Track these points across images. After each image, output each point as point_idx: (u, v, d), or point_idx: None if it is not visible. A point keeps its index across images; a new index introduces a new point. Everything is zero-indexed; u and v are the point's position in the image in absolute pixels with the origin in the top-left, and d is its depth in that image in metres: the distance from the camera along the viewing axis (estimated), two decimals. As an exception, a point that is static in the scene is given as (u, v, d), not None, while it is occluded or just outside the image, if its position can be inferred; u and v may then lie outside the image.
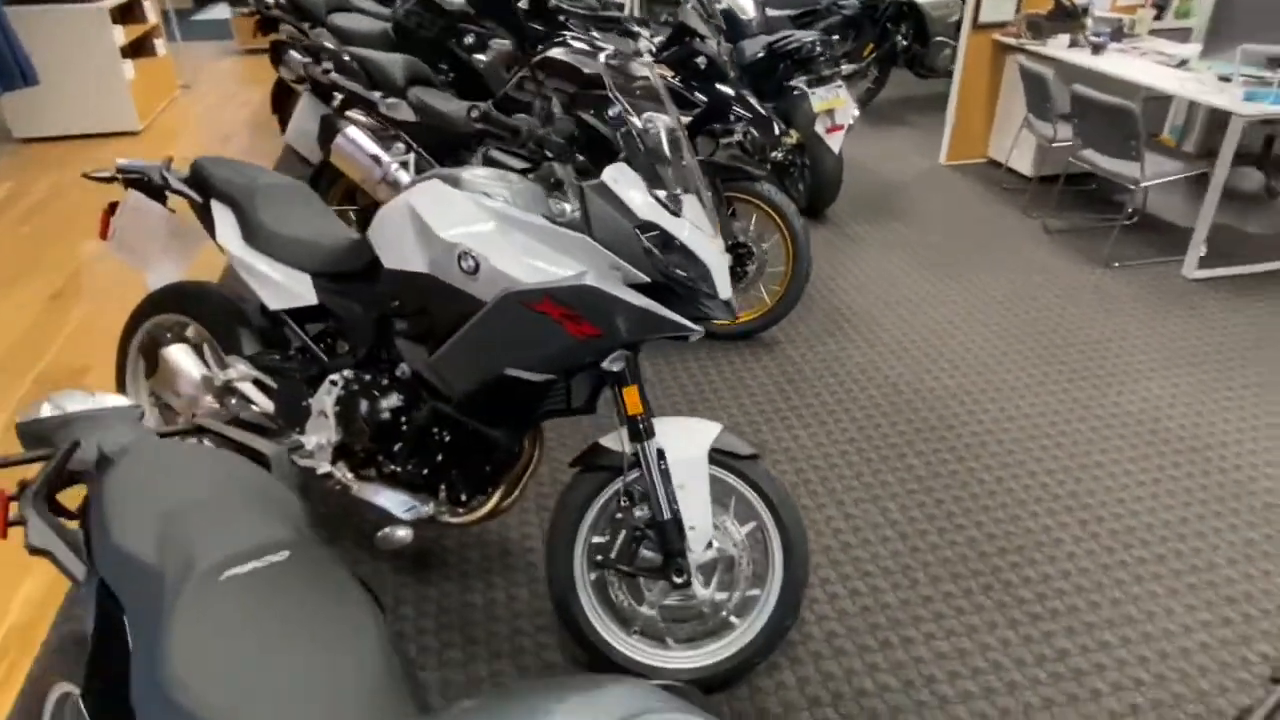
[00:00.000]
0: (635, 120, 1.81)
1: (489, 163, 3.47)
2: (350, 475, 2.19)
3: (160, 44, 6.85)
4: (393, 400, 2.08)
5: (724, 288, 1.81)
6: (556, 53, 3.30)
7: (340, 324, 2.17)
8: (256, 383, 2.28)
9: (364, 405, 2.08)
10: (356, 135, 3.50)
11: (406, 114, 3.48)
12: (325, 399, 2.16)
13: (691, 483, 1.88)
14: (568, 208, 1.82)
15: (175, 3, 9.61)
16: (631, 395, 1.88)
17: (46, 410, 1.35)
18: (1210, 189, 3.87)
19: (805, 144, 4.37)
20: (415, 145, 3.50)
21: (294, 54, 4.60)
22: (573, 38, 3.39)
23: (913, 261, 4.25)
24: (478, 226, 1.81)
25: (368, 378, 2.11)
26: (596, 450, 1.97)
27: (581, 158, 3.30)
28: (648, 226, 1.74)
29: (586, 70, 3.24)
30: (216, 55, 8.48)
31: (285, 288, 2.16)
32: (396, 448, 2.11)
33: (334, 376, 2.15)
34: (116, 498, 1.11)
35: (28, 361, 3.38)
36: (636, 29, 3.51)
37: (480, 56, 4.35)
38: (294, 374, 2.24)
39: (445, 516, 2.12)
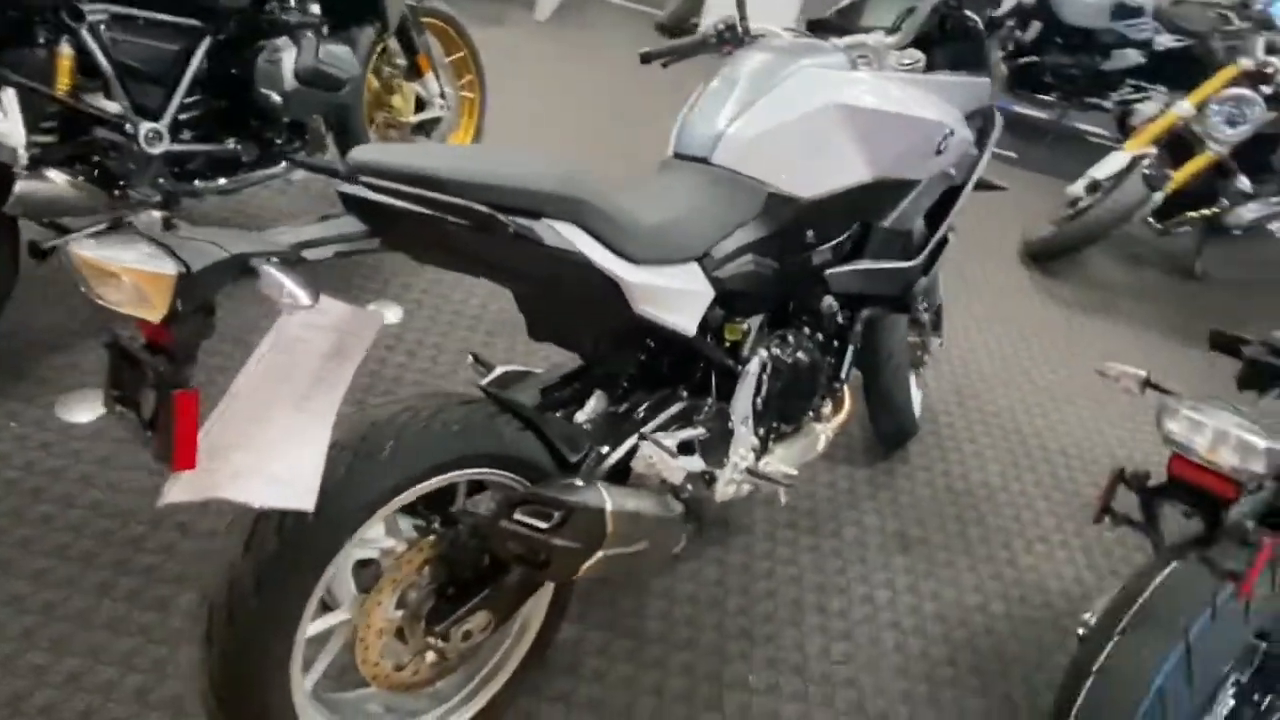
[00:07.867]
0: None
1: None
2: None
3: None
4: (824, 347, 1.85)
5: None
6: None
7: (730, 300, 1.59)
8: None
9: (798, 363, 1.75)
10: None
11: None
12: (740, 406, 1.67)
13: None
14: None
15: None
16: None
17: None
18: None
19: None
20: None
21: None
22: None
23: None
24: (921, 94, 1.73)
25: (801, 332, 1.81)
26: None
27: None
28: None
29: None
30: None
31: (692, 295, 1.48)
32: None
33: (755, 361, 1.68)
34: None
35: None
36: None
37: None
38: (703, 404, 1.68)
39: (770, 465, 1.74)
